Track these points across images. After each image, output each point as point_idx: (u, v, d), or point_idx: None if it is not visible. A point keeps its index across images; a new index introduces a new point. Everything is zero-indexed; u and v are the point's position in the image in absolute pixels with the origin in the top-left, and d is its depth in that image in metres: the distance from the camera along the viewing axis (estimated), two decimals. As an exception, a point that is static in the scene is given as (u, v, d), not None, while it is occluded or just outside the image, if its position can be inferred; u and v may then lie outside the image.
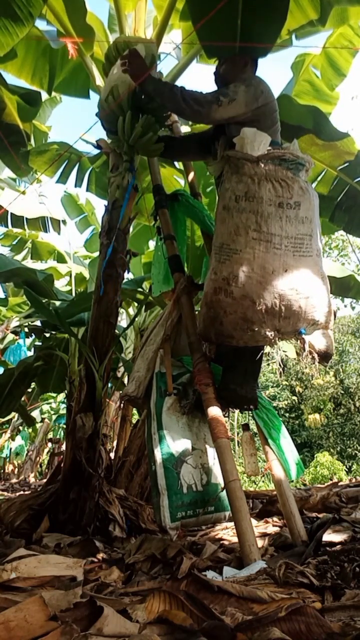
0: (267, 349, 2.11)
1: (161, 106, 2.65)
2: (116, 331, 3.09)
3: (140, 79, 2.30)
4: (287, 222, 1.93)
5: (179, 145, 2.78)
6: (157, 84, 2.31)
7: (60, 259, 6.82)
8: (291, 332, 1.95)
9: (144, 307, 4.92)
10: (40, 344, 5.99)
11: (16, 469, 16.58)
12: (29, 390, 6.88)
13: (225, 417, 2.17)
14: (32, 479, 13.63)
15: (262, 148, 2.04)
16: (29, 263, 6.34)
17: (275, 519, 2.75)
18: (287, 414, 16.45)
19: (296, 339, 1.99)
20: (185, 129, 3.48)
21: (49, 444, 14.76)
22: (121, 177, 2.79)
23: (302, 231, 1.94)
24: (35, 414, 13.29)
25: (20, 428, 13.77)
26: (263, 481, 9.88)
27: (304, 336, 1.95)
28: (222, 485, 1.98)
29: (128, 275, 4.24)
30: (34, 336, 6.69)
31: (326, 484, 3.92)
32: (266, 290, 1.90)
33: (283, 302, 1.90)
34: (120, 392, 6.18)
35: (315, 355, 2.02)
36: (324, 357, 2.02)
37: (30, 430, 14.31)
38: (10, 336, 7.29)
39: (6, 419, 11.31)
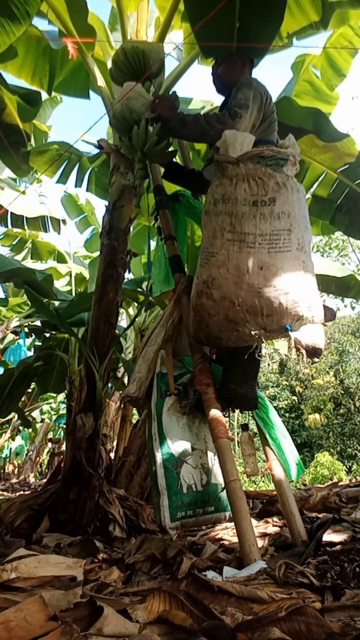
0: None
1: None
2: (116, 331, 3.09)
3: (169, 115, 2.40)
4: (261, 220, 1.92)
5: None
6: (181, 116, 2.37)
7: (60, 259, 6.83)
8: (277, 330, 1.92)
9: (144, 307, 4.92)
10: (40, 344, 5.99)
11: (16, 469, 16.58)
12: (29, 390, 6.88)
13: (225, 417, 2.17)
14: (32, 479, 13.63)
15: (245, 148, 2.04)
16: (29, 263, 6.34)
17: (275, 519, 2.76)
18: (287, 414, 16.46)
19: (284, 335, 1.95)
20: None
21: (49, 444, 14.77)
22: (138, 184, 2.76)
23: (278, 227, 1.91)
24: (35, 414, 13.31)
25: (20, 428, 13.77)
26: (263, 481, 9.88)
27: (290, 332, 1.91)
28: (222, 485, 1.98)
29: (128, 275, 4.24)
30: (34, 336, 6.69)
31: (326, 484, 3.92)
32: (243, 289, 1.90)
33: (262, 300, 1.88)
34: (121, 392, 6.18)
35: (303, 351, 1.96)
36: (313, 352, 1.95)
37: (30, 430, 14.31)
38: (10, 336, 7.29)
39: (6, 419, 11.31)
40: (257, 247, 1.90)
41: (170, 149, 2.75)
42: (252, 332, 1.92)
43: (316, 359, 1.98)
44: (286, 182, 1.97)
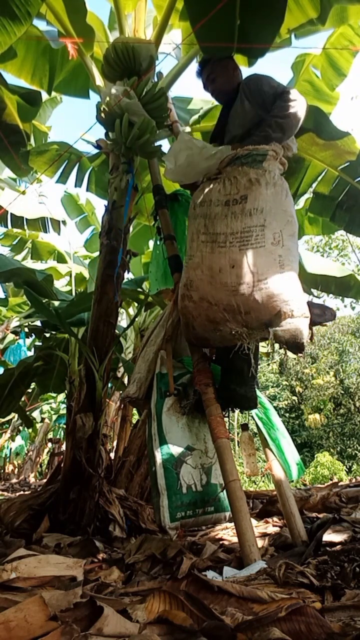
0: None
1: (159, 107, 2.68)
2: (116, 331, 3.09)
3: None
4: (232, 219, 1.92)
5: None
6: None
7: (60, 259, 6.82)
8: (258, 327, 1.90)
9: (144, 307, 4.91)
10: (40, 344, 5.99)
11: (16, 469, 16.57)
12: (29, 390, 6.87)
13: (225, 417, 2.17)
14: (32, 479, 13.63)
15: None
16: (29, 263, 6.33)
17: (275, 519, 2.75)
18: (287, 414, 16.45)
19: (267, 332, 1.91)
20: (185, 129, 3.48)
21: (49, 444, 14.76)
22: (119, 178, 2.81)
23: (250, 224, 1.90)
24: (36, 414, 13.30)
25: (20, 428, 13.77)
26: (263, 481, 9.88)
27: (269, 328, 1.87)
28: (222, 485, 1.98)
29: (128, 275, 4.24)
30: (34, 336, 6.68)
31: (326, 484, 3.92)
32: (217, 289, 1.91)
33: (237, 298, 1.87)
34: (121, 392, 6.18)
35: (284, 346, 1.91)
36: (294, 347, 1.89)
37: (30, 430, 14.30)
38: (10, 336, 7.29)
39: (6, 419, 11.31)
40: (228, 246, 1.91)
41: (159, 143, 2.78)
42: (233, 331, 1.92)
43: (299, 353, 1.93)
44: (260, 178, 1.95)
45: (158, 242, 2.86)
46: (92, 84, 3.41)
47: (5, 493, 8.57)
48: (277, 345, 1.92)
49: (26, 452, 15.60)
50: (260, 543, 2.05)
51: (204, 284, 1.94)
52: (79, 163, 4.22)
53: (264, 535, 2.30)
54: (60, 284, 6.44)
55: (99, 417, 2.85)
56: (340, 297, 11.41)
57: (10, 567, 1.53)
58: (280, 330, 1.86)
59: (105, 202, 3.07)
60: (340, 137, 3.14)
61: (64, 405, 11.86)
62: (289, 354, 1.98)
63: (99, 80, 3.18)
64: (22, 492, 7.29)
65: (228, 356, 2.18)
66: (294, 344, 1.86)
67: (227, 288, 1.89)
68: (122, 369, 5.61)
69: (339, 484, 3.86)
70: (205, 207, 2.01)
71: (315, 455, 12.92)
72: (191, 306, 2.01)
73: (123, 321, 6.53)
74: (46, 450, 15.61)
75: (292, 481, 2.87)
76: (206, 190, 2.04)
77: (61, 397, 11.79)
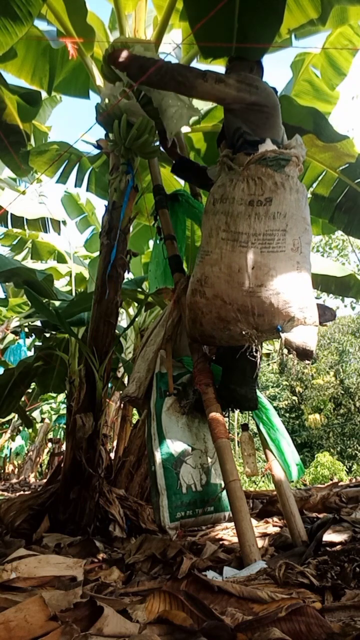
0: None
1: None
2: (116, 331, 3.09)
3: (126, 65, 2.28)
4: (256, 220, 1.92)
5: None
6: (142, 61, 2.25)
7: (60, 259, 6.82)
8: (269, 330, 1.91)
9: (144, 307, 4.91)
10: (40, 344, 5.98)
11: (16, 469, 16.58)
12: (29, 390, 6.87)
13: (225, 417, 2.17)
14: (32, 479, 13.63)
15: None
16: (29, 263, 6.33)
17: (275, 519, 2.76)
18: (287, 414, 16.46)
19: (276, 336, 1.94)
20: (185, 129, 3.48)
21: (49, 444, 14.76)
22: (119, 179, 2.81)
23: (273, 227, 1.91)
24: (36, 414, 13.30)
25: (20, 428, 13.77)
26: (263, 481, 9.88)
27: (280, 333, 1.90)
28: (222, 485, 1.98)
29: (128, 275, 4.23)
30: (34, 336, 6.68)
31: (326, 484, 3.92)
32: (234, 288, 1.91)
33: (253, 300, 1.88)
34: (120, 392, 6.18)
35: (294, 353, 1.94)
36: (303, 354, 1.92)
37: (30, 430, 14.30)
38: (10, 336, 7.29)
39: (6, 419, 11.31)
40: (250, 247, 1.90)
41: (156, 143, 2.77)
42: (244, 332, 1.92)
43: (307, 361, 1.95)
44: (285, 183, 1.96)
45: (158, 242, 2.87)
46: (92, 84, 3.41)
47: (5, 493, 8.57)
48: (285, 350, 1.93)
49: (26, 452, 15.61)
50: (260, 543, 2.06)
51: (221, 281, 1.93)
52: (79, 163, 4.21)
53: (264, 535, 2.31)
54: (60, 284, 6.44)
55: (99, 417, 2.85)
56: (340, 297, 11.42)
57: (10, 567, 1.53)
58: (292, 337, 1.88)
59: (106, 202, 3.07)
60: (339, 139, 3.15)
61: (64, 405, 11.87)
62: (286, 353, 1.98)
63: (99, 80, 3.18)
64: (22, 492, 7.29)
65: (231, 356, 2.18)
66: (304, 351, 1.89)
67: (244, 288, 1.89)
68: (122, 369, 5.61)
69: (339, 484, 3.86)
70: (227, 204, 1.99)
71: (316, 455, 12.92)
72: (202, 302, 2.00)
73: (123, 321, 6.53)
74: (46, 450, 15.61)
75: (292, 481, 2.87)
76: (227, 186, 2.02)
77: (61, 397, 11.78)
